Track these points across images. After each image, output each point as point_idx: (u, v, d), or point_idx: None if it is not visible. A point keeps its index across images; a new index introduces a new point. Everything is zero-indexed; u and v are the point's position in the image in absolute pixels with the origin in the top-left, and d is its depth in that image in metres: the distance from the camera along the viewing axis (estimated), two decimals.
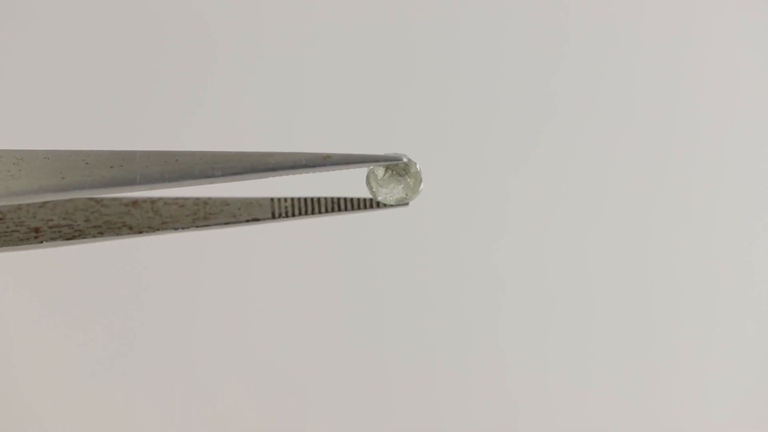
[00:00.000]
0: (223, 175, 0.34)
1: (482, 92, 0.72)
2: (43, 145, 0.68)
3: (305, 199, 0.38)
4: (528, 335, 0.72)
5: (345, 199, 0.38)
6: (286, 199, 0.38)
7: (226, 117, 0.71)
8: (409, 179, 0.37)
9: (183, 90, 0.71)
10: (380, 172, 0.37)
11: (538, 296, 0.72)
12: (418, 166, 0.37)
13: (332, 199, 0.38)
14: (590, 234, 0.72)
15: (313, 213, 0.38)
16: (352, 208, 0.38)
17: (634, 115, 0.72)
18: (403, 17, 0.72)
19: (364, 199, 0.38)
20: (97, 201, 0.38)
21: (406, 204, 0.37)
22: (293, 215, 0.38)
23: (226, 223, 0.38)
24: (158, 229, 0.38)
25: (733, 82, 0.73)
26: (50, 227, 0.37)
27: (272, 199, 0.38)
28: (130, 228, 0.38)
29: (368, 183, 0.37)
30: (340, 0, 0.72)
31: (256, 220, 0.38)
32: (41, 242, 0.36)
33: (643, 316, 0.72)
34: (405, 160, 0.36)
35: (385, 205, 0.37)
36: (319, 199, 0.38)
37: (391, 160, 0.36)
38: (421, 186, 0.37)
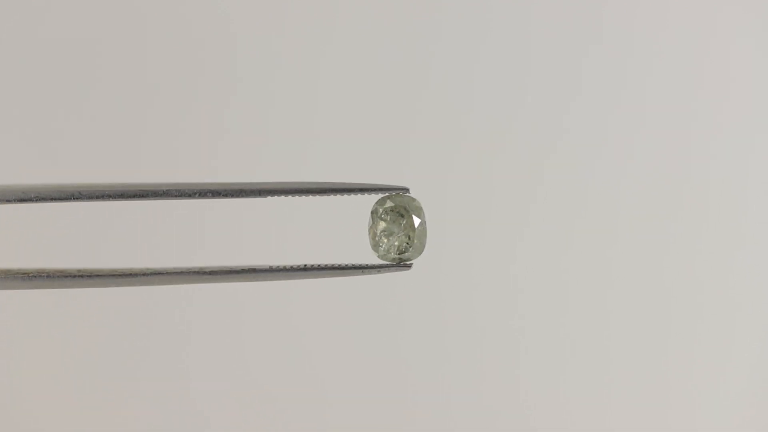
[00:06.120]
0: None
1: (494, 100, 0.72)
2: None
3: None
4: (536, 340, 0.71)
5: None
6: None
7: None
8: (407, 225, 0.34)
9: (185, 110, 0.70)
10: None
11: (544, 301, 0.71)
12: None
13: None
14: (600, 241, 0.71)
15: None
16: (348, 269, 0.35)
17: (649, 121, 0.72)
18: (413, 16, 0.72)
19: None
20: None
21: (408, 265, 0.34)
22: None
23: None
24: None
25: (754, 85, 0.72)
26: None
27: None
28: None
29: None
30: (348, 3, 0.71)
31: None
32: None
33: (658, 322, 0.72)
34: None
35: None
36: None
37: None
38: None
